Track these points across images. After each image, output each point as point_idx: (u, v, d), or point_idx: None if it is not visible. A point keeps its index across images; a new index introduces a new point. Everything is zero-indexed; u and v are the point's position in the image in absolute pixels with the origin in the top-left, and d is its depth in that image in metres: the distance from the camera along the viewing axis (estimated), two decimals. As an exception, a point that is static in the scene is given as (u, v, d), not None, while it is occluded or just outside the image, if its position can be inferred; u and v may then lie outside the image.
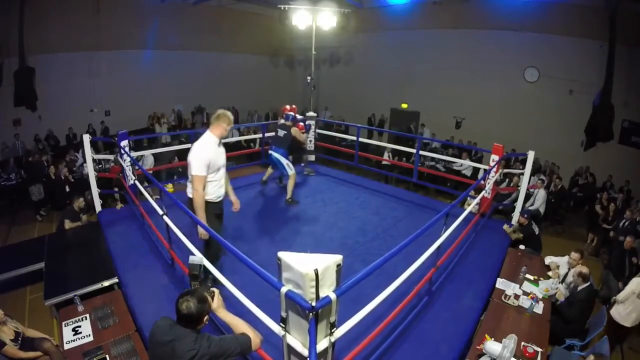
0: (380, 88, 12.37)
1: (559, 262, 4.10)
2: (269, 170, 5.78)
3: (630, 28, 7.29)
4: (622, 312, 3.73)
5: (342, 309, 1.85)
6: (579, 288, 3.54)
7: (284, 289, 1.72)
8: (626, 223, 5.80)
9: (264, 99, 13.61)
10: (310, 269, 1.64)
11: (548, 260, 4.17)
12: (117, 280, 3.63)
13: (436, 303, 3.24)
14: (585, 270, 3.57)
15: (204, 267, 2.05)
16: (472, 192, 5.18)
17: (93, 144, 6.55)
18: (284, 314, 1.85)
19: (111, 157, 5.67)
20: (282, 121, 5.29)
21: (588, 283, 3.53)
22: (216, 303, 1.80)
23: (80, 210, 5.08)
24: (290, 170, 5.04)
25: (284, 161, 5.03)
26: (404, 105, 12.25)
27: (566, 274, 3.94)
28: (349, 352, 2.18)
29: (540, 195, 6.42)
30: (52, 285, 3.60)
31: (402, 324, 2.83)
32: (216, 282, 1.93)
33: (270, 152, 5.16)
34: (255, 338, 1.76)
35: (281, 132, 5.16)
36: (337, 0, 9.32)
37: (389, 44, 11.85)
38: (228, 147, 8.38)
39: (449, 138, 10.56)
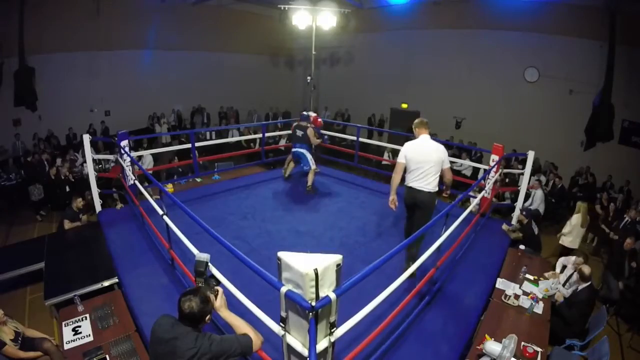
0: (380, 88, 12.35)
1: (566, 262, 4.11)
2: (291, 165, 6.01)
3: (630, 28, 7.28)
4: (573, 240, 5.17)
5: (342, 309, 1.85)
6: (580, 288, 3.54)
7: (284, 289, 1.72)
8: (628, 222, 5.80)
9: (264, 99, 13.59)
10: (310, 268, 1.64)
11: (560, 264, 4.18)
12: (117, 280, 3.63)
13: (436, 303, 3.24)
14: (586, 270, 3.56)
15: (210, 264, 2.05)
16: (472, 192, 5.19)
17: (93, 144, 6.56)
18: (283, 314, 1.85)
19: (111, 157, 5.67)
20: (298, 122, 5.54)
21: (588, 283, 3.53)
22: (219, 302, 1.80)
23: (79, 210, 5.07)
24: (313, 164, 5.42)
25: (308, 155, 5.41)
26: (404, 105, 12.24)
27: (571, 275, 3.92)
28: (349, 352, 2.18)
29: (538, 195, 6.41)
30: (52, 285, 3.60)
31: (402, 324, 2.83)
32: (219, 282, 1.93)
33: (293, 149, 5.55)
34: (256, 339, 1.76)
35: (299, 132, 5.47)
36: (337, 0, 9.32)
37: (389, 44, 11.83)
38: (228, 147, 8.54)
39: (449, 138, 10.55)
